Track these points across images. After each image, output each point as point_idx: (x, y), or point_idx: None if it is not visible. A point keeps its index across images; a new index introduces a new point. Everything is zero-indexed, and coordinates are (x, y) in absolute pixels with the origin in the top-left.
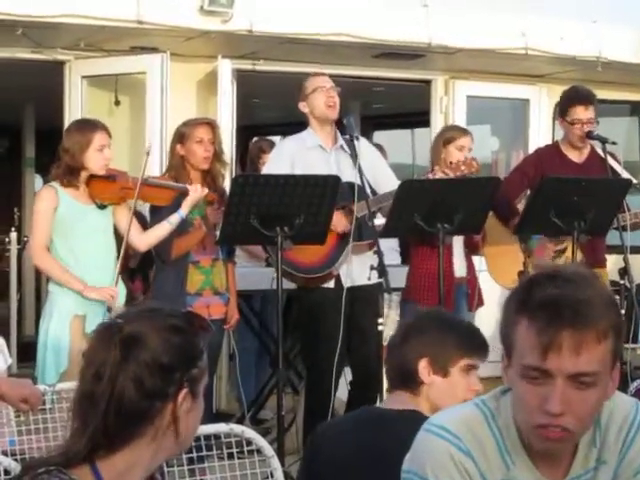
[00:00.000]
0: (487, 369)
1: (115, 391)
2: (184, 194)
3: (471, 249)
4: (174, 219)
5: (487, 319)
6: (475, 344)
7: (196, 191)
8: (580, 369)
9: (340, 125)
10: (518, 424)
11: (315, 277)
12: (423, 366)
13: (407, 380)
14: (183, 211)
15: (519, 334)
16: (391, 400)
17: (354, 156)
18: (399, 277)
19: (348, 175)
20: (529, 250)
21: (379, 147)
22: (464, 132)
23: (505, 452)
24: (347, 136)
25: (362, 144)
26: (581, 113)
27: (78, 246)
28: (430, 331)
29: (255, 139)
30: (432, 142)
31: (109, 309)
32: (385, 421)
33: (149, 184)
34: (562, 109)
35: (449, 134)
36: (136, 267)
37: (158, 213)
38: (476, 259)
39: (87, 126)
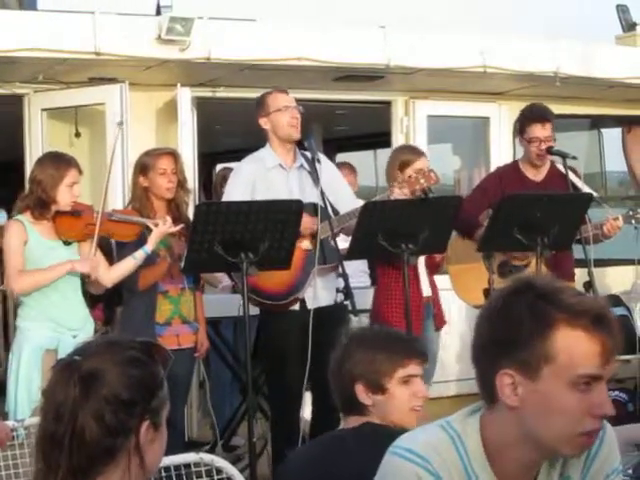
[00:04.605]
0: (454, 387)
1: (77, 430)
2: (149, 229)
3: (432, 269)
4: (139, 255)
5: (453, 337)
6: (405, 352)
7: (162, 225)
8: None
9: (301, 147)
10: (544, 439)
11: (282, 304)
12: (360, 390)
13: (353, 405)
14: (148, 247)
15: (566, 344)
16: (346, 424)
17: (315, 175)
18: (369, 299)
19: (309, 193)
20: (492, 267)
21: (350, 167)
22: (419, 154)
23: (472, 473)
24: (307, 152)
25: (323, 164)
26: (538, 131)
27: None
28: (357, 353)
29: (219, 168)
30: (386, 165)
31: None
32: (345, 442)
33: (113, 220)
34: (520, 128)
35: (404, 157)
36: (100, 296)
37: (125, 246)
38: (440, 278)
39: (62, 161)
